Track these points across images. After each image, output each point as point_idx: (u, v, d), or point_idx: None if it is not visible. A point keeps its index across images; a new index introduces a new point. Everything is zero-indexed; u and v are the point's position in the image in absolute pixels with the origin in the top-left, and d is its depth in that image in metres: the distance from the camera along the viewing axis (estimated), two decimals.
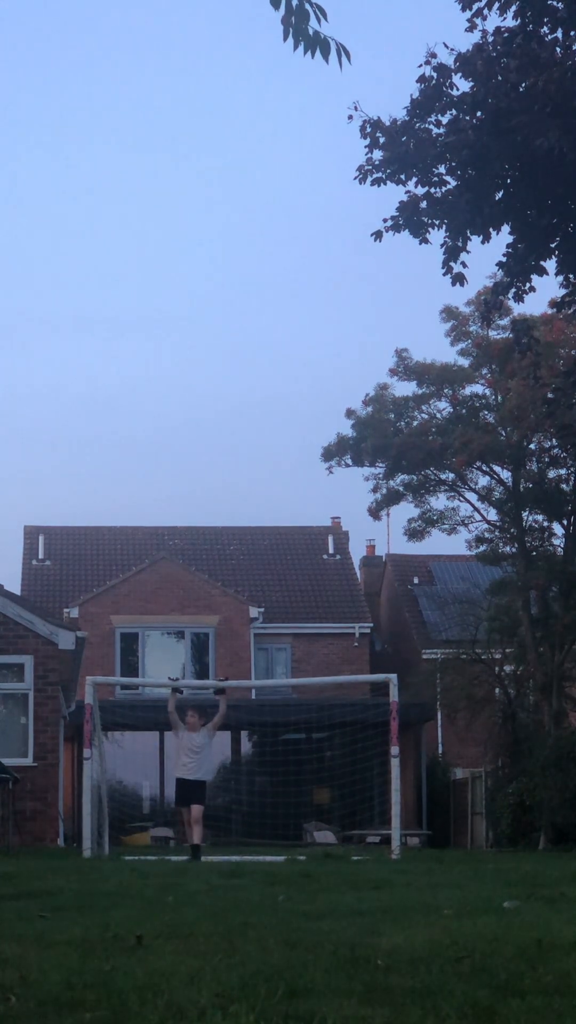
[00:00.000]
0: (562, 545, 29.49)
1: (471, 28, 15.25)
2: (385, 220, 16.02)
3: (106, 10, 73.70)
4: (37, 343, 79.31)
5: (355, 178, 15.91)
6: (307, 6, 6.57)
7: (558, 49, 14.98)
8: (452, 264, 16.09)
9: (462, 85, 15.43)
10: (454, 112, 15.46)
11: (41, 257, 78.86)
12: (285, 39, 6.61)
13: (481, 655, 31.73)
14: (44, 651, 21.80)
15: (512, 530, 30.06)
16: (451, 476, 30.61)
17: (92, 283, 77.64)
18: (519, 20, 14.99)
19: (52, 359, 77.83)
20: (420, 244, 16.06)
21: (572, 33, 14.93)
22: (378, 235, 16.08)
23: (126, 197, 78.35)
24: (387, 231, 16.04)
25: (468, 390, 30.35)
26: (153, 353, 79.70)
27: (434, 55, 15.48)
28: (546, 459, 29.68)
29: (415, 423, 30.24)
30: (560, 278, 17.35)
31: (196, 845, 17.09)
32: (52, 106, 77.30)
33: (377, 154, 15.76)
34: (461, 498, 31.15)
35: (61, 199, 77.74)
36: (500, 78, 14.98)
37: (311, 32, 6.65)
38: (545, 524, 30.22)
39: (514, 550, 30.06)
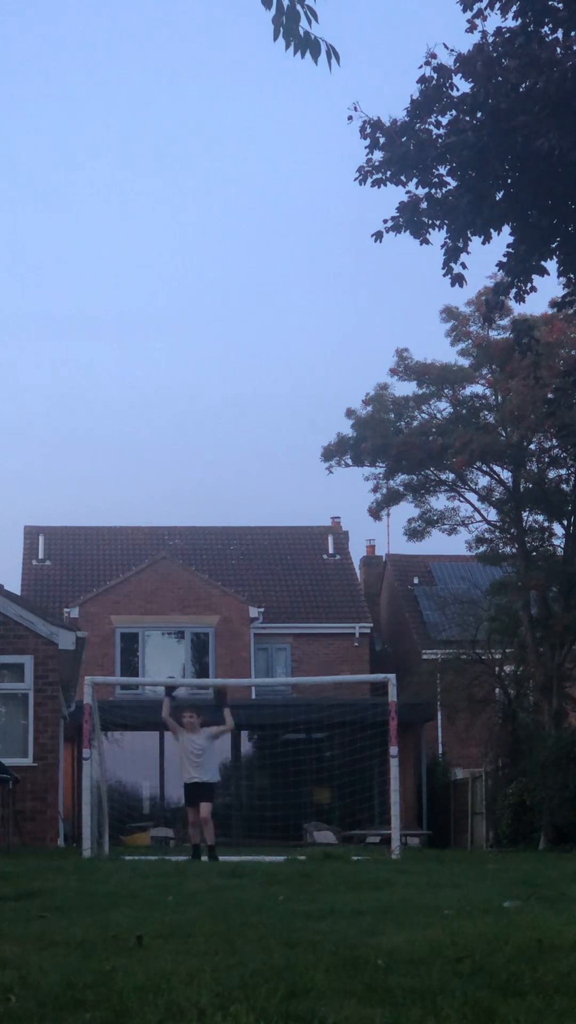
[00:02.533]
0: (562, 545, 29.49)
1: (471, 29, 15.23)
2: (385, 221, 16.02)
3: (103, 12, 73.71)
4: (37, 343, 79.34)
5: (355, 179, 15.91)
6: (298, 7, 6.57)
7: (558, 49, 14.96)
8: (452, 265, 16.08)
9: (462, 86, 15.42)
10: (454, 113, 15.45)
11: (41, 257, 78.91)
12: (275, 39, 6.62)
13: (481, 655, 31.72)
14: (44, 651, 21.79)
15: (512, 530, 30.05)
16: (451, 476, 30.60)
17: (92, 283, 77.70)
18: (519, 20, 14.98)
19: (52, 359, 77.85)
20: (420, 245, 16.06)
21: (572, 33, 14.91)
22: (378, 236, 16.08)
23: (127, 197, 78.38)
24: (387, 232, 16.03)
25: (468, 390, 30.37)
26: (153, 353, 79.73)
27: (434, 55, 15.47)
28: (546, 459, 29.67)
29: (415, 423, 30.24)
30: (561, 278, 17.35)
31: (211, 846, 16.94)
32: (52, 106, 77.33)
33: (377, 155, 15.74)
34: (461, 498, 31.17)
35: (61, 199, 77.77)
36: (500, 79, 14.97)
37: (302, 33, 6.65)
38: (545, 524, 30.24)
39: (514, 550, 30.06)
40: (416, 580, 42.90)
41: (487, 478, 30.33)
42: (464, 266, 16.16)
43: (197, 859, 16.45)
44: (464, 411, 29.96)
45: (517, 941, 6.59)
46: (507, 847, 26.39)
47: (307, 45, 6.72)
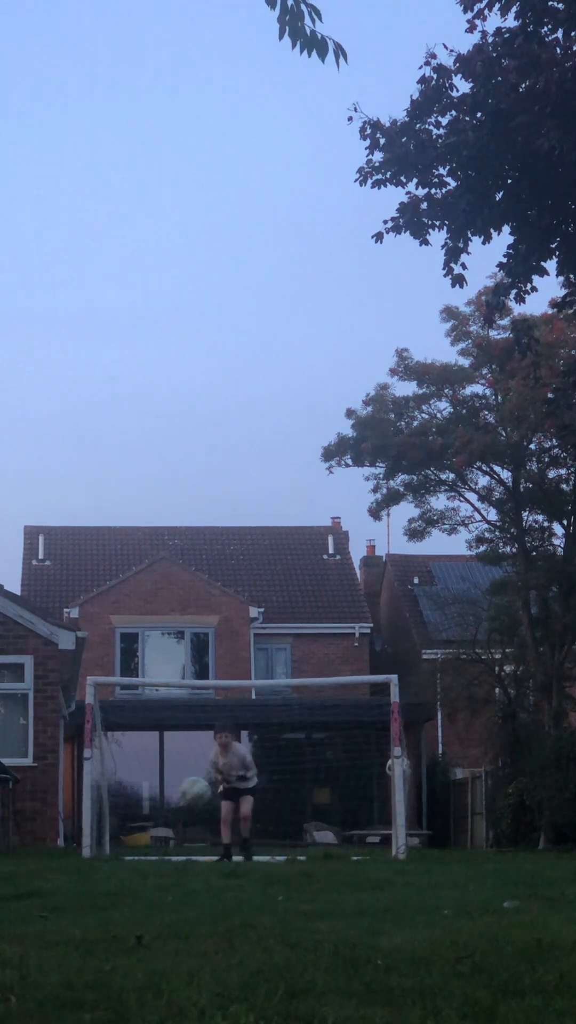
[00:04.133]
0: (562, 545, 29.49)
1: (471, 29, 15.23)
2: (385, 221, 16.01)
3: (106, 12, 73.74)
4: (37, 343, 79.34)
5: (356, 180, 15.90)
6: (302, 6, 6.55)
7: (558, 49, 14.96)
8: (453, 265, 16.08)
9: (462, 86, 15.42)
10: (454, 113, 15.45)
11: (41, 257, 78.92)
12: (281, 38, 6.60)
13: (481, 655, 31.72)
14: (44, 651, 21.80)
15: (512, 530, 30.05)
16: (451, 476, 30.60)
17: (93, 283, 77.69)
18: (520, 21, 14.98)
19: (52, 359, 77.86)
20: (420, 245, 16.05)
21: (572, 33, 14.91)
22: (379, 236, 16.07)
23: (127, 197, 78.41)
24: (388, 232, 16.02)
25: (468, 390, 30.36)
26: (153, 353, 79.74)
27: (434, 55, 15.47)
28: (546, 459, 29.68)
29: (415, 423, 30.24)
30: (561, 278, 17.35)
31: (246, 839, 17.09)
32: (54, 105, 77.36)
33: (377, 155, 15.74)
34: (461, 498, 31.17)
35: (61, 199, 77.78)
36: (500, 79, 14.96)
37: (308, 32, 6.63)
38: (545, 524, 30.24)
39: (514, 550, 30.06)
40: (416, 580, 42.89)
41: (487, 478, 30.35)
42: (464, 266, 16.16)
43: (228, 859, 16.41)
44: (464, 411, 29.97)
45: (517, 941, 6.59)
46: (507, 847, 26.39)
47: (314, 44, 6.70)
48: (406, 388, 30.54)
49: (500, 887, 10.60)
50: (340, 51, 6.81)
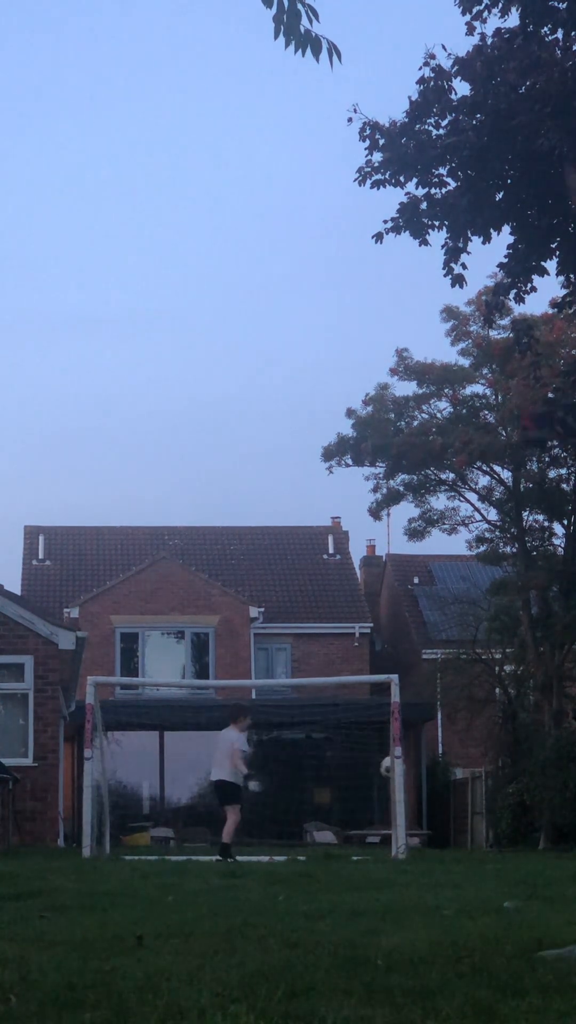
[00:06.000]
0: (562, 545, 29.50)
1: (471, 31, 15.21)
2: (385, 221, 15.98)
3: (106, 13, 73.74)
4: (37, 343, 79.34)
5: (355, 180, 15.88)
6: (299, 5, 6.54)
7: (558, 50, 14.94)
8: (452, 265, 16.05)
9: (461, 88, 15.40)
10: (453, 115, 15.43)
11: (41, 257, 78.92)
12: (276, 37, 6.59)
13: (481, 655, 31.72)
14: (44, 651, 21.81)
15: (512, 530, 30.05)
16: (451, 476, 30.60)
17: (92, 283, 77.70)
18: (520, 22, 14.96)
19: (52, 359, 77.85)
20: (420, 245, 16.03)
21: (573, 34, 14.89)
22: (378, 237, 16.05)
23: (127, 197, 78.41)
24: (387, 232, 16.00)
25: (468, 390, 30.35)
26: (153, 353, 79.73)
27: (432, 56, 15.45)
28: (546, 459, 29.67)
29: (415, 423, 30.23)
30: (561, 278, 17.33)
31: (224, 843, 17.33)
32: (53, 106, 77.34)
33: (377, 156, 15.72)
34: (461, 498, 31.17)
35: (60, 199, 77.78)
36: (500, 79, 14.95)
37: (303, 31, 6.62)
38: (545, 524, 30.24)
39: (514, 550, 30.06)
40: (416, 580, 42.89)
41: (487, 478, 30.35)
42: (464, 266, 16.13)
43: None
44: (464, 411, 29.95)
45: (517, 941, 6.59)
46: (507, 847, 26.39)
47: (308, 43, 6.68)
48: (406, 388, 30.57)
49: (500, 887, 10.61)
50: (334, 50, 6.80)
